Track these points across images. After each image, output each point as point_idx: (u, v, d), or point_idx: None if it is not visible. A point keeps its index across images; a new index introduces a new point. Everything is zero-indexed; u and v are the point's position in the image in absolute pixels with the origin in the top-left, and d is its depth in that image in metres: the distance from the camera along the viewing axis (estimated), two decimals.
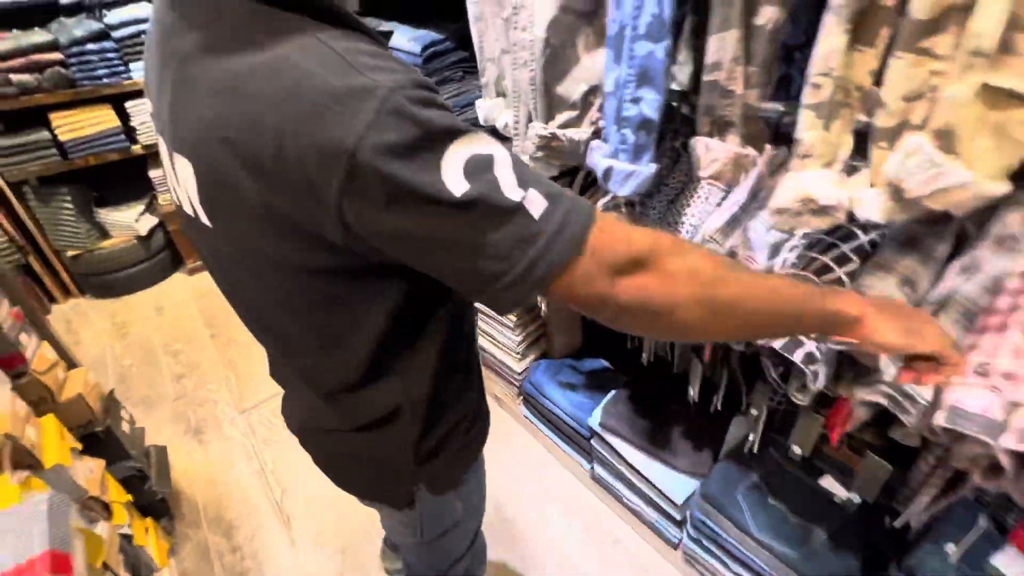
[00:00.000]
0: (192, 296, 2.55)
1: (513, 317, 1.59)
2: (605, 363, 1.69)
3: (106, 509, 1.21)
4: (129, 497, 1.39)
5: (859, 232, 0.70)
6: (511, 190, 0.37)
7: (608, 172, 0.73)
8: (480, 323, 1.77)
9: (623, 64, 0.65)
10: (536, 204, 0.38)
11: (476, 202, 0.37)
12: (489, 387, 1.83)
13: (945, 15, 0.44)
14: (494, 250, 0.38)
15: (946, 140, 0.46)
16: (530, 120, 0.84)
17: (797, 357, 0.63)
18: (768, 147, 0.75)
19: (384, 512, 0.81)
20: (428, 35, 1.44)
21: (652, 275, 0.40)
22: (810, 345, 0.64)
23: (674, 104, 0.92)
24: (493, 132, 1.02)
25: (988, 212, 0.68)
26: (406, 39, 1.43)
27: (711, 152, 0.63)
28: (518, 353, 1.67)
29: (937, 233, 0.67)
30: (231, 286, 0.54)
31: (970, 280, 0.63)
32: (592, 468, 1.47)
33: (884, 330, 0.44)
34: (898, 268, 0.66)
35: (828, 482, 1.06)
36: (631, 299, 0.40)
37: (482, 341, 1.81)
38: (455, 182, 0.36)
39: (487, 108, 0.95)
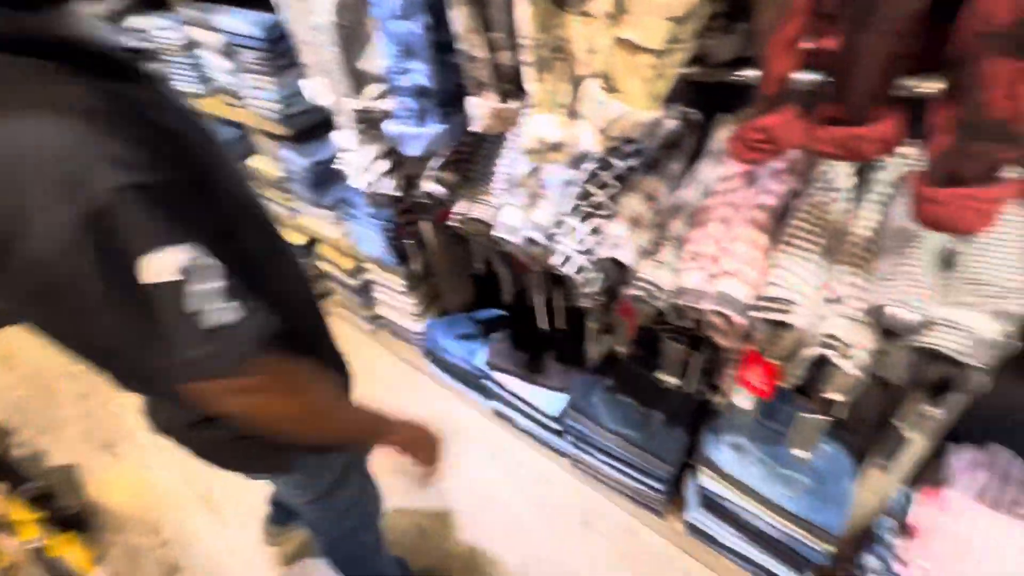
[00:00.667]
0: None
1: (402, 280, 1.70)
2: (499, 311, 1.84)
3: (11, 527, 1.24)
4: (40, 514, 1.41)
5: (617, 162, 0.86)
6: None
7: (400, 136, 0.84)
8: (379, 295, 1.87)
9: (388, 41, 0.75)
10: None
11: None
12: (397, 351, 1.94)
13: None
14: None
15: (609, 82, 0.60)
16: (344, 96, 0.92)
17: (571, 271, 0.79)
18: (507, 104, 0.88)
19: (274, 480, 0.88)
20: (268, 18, 1.45)
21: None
22: (580, 259, 0.80)
23: None
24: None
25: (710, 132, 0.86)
26: (246, 24, 1.43)
27: (474, 109, 0.75)
28: (415, 315, 1.78)
29: (672, 155, 0.85)
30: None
31: (693, 189, 0.80)
32: (492, 404, 1.64)
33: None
34: (643, 187, 0.82)
35: (662, 374, 1.27)
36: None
37: (381, 309, 1.91)
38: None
39: (310, 88, 1.03)
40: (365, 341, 2.07)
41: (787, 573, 1.10)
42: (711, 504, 1.14)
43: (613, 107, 0.60)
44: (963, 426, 0.85)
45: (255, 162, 1.99)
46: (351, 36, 0.86)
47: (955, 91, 0.48)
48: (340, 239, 1.82)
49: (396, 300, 1.80)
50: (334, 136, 0.95)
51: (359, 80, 0.90)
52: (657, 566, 1.31)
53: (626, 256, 0.77)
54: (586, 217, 0.83)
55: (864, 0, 0.46)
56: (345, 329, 2.14)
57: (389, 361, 1.96)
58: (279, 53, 1.46)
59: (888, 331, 0.67)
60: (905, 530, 0.97)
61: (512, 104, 0.76)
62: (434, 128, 0.82)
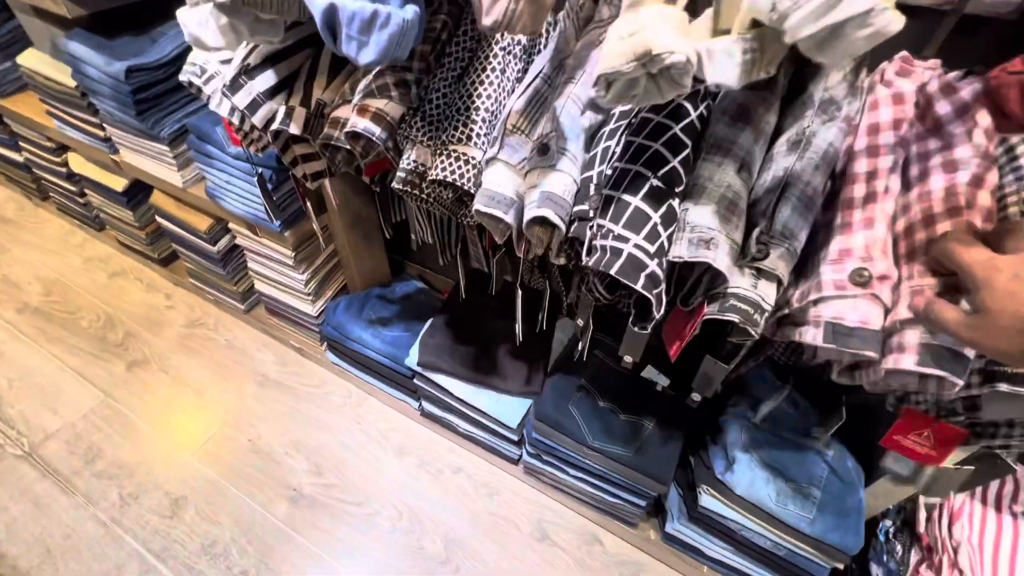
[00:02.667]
0: None
1: (291, 251, 1.24)
2: (419, 284, 1.47)
3: None
4: None
5: (687, 105, 0.55)
6: None
7: (331, 18, 0.42)
8: (255, 266, 1.37)
9: None
10: None
11: None
12: (284, 336, 1.49)
13: None
14: None
15: None
16: None
17: (639, 284, 0.49)
18: None
19: None
20: None
21: None
22: (652, 264, 0.50)
23: None
24: None
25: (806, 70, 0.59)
26: None
27: None
28: (308, 294, 1.34)
29: (765, 100, 0.56)
30: None
31: (801, 158, 0.53)
32: (420, 405, 1.32)
33: None
34: (735, 150, 0.53)
35: (649, 371, 1.07)
36: None
37: (263, 287, 1.42)
38: None
39: None
40: (237, 323, 1.56)
41: None
42: (704, 520, 0.99)
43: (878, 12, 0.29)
44: None
45: (29, 60, 1.28)
46: None
47: None
48: (187, 189, 1.27)
49: (279, 274, 1.33)
50: (181, 16, 0.49)
51: None
52: (624, 575, 1.16)
53: (722, 263, 0.49)
54: (653, 195, 0.52)
55: None
56: (206, 308, 1.59)
57: (272, 347, 1.50)
58: None
59: None
60: (911, 536, 0.91)
61: None
62: (404, 12, 0.43)
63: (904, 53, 0.54)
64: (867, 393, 0.58)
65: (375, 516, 1.20)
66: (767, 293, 0.51)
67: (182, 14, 0.51)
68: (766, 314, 0.50)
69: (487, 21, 0.41)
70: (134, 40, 1.13)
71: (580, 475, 1.08)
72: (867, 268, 0.48)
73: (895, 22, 0.30)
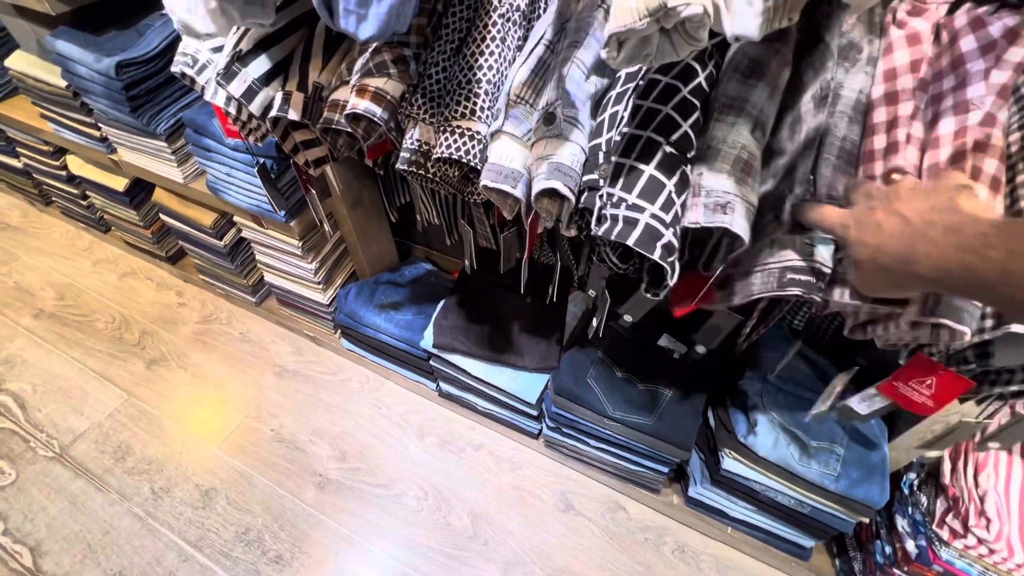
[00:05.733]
0: None
1: (297, 241, 1.23)
2: (428, 266, 1.47)
3: None
4: None
5: (695, 65, 0.53)
6: None
7: None
8: (263, 258, 1.37)
9: None
10: None
11: None
12: (298, 326, 1.50)
13: None
14: None
15: None
16: None
17: (656, 254, 0.48)
18: None
19: None
20: None
21: None
22: (668, 234, 0.48)
23: None
24: None
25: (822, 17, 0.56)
26: None
27: None
28: (319, 283, 1.34)
29: (778, 52, 0.54)
30: None
31: (832, 113, 0.51)
32: (438, 386, 1.32)
33: None
34: (748, 108, 0.51)
35: (665, 340, 1.06)
36: None
37: (272, 278, 1.42)
38: None
39: None
40: (249, 315, 1.57)
41: (806, 539, 1.02)
42: (727, 483, 1.00)
43: None
44: None
45: (18, 63, 1.26)
46: None
47: None
48: (188, 184, 1.26)
49: (288, 265, 1.33)
50: (168, 3, 0.47)
51: None
52: (650, 540, 1.18)
53: (739, 226, 0.48)
54: (666, 162, 0.50)
55: None
56: (217, 303, 1.60)
57: (286, 338, 1.51)
58: None
59: None
60: (936, 487, 0.91)
61: None
62: None
63: None
64: (879, 349, 0.58)
65: (401, 496, 1.22)
66: (825, 256, 0.50)
67: (169, 3, 0.49)
68: (826, 278, 0.49)
69: None
70: (120, 34, 1.11)
71: (601, 445, 1.09)
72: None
73: None
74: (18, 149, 1.62)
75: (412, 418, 1.36)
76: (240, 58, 0.67)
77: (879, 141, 0.51)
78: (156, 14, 1.13)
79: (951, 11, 0.51)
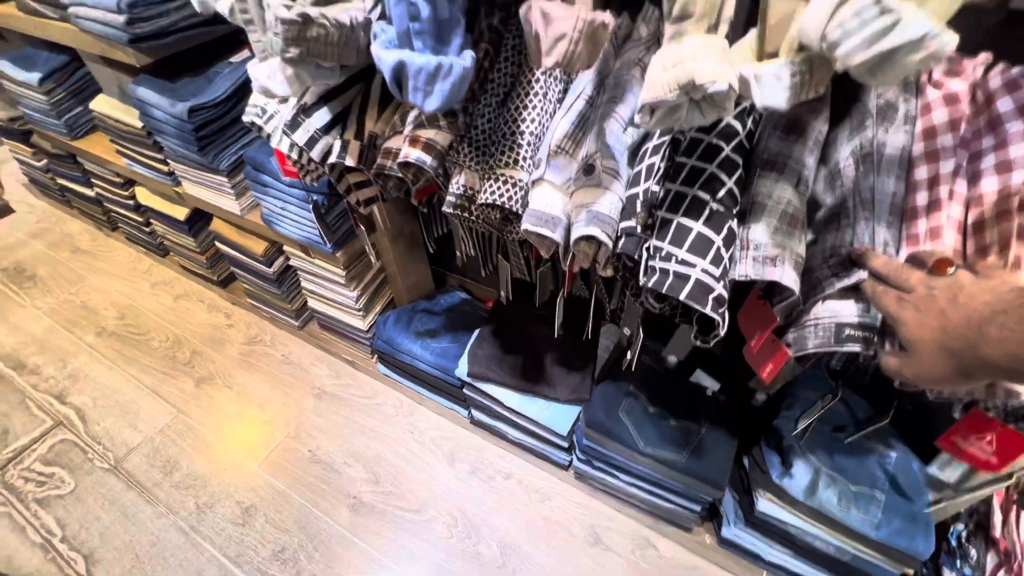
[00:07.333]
0: None
1: (342, 271, 1.30)
2: (463, 295, 1.51)
3: None
4: None
5: (735, 124, 0.56)
6: None
7: (400, 72, 0.46)
8: (308, 284, 1.44)
9: None
10: None
11: None
12: (337, 350, 1.56)
13: None
14: None
15: None
16: None
17: (708, 307, 0.50)
18: (607, 13, 0.55)
19: None
20: None
21: None
22: (719, 288, 0.51)
23: None
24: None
25: None
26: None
27: (553, 25, 0.40)
28: (359, 310, 1.40)
29: (815, 109, 0.56)
30: None
31: (879, 171, 0.53)
32: (470, 413, 1.35)
33: None
34: (791, 164, 0.53)
35: (699, 375, 1.06)
36: None
37: (316, 304, 1.49)
38: None
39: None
40: (292, 339, 1.64)
41: None
42: (762, 524, 0.98)
43: (913, 23, 0.29)
44: None
45: (100, 105, 1.39)
46: None
47: None
48: (244, 215, 1.35)
49: (332, 292, 1.40)
50: (252, 71, 0.54)
51: None
52: None
53: (789, 278, 0.49)
54: (713, 218, 0.52)
55: None
56: (263, 325, 1.68)
57: (326, 361, 1.57)
58: None
59: None
60: (986, 540, 0.87)
61: (607, 16, 0.43)
62: (462, 60, 0.46)
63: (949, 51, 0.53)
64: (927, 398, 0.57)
65: (432, 522, 1.24)
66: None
67: (252, 68, 0.56)
68: (883, 334, 0.50)
69: (548, 61, 0.43)
70: (192, 81, 1.22)
71: (632, 480, 1.08)
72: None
73: (951, 43, 0.31)
74: (92, 180, 1.77)
75: (444, 444, 1.38)
76: (304, 110, 0.74)
77: (922, 198, 0.52)
78: (224, 62, 1.24)
79: (986, 72, 0.53)
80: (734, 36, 0.43)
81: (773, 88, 0.38)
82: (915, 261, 0.47)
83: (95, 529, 1.24)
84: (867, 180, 0.53)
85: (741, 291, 0.65)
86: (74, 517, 1.26)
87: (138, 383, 1.54)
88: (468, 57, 0.48)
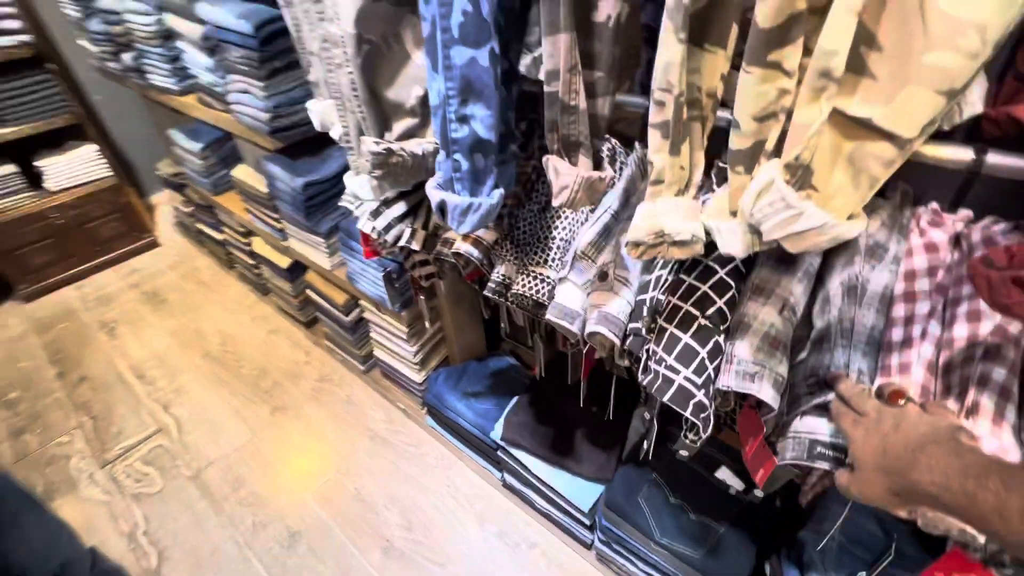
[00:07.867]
0: (31, 328, 2.15)
1: (405, 327, 1.46)
2: (511, 360, 1.62)
3: None
4: None
5: None
6: None
7: (443, 206, 0.61)
8: (376, 335, 1.63)
9: (440, 74, 0.52)
10: None
11: None
12: (394, 397, 1.70)
13: (791, 22, 0.36)
14: None
15: (800, 175, 0.39)
16: (361, 132, 0.69)
17: (688, 411, 0.57)
18: (604, 171, 0.66)
19: None
20: (262, 10, 1.20)
21: None
22: (699, 394, 0.58)
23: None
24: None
25: None
26: (233, 16, 1.19)
27: (561, 177, 0.52)
28: (416, 364, 1.55)
29: None
30: None
31: (861, 304, 0.59)
32: (503, 476, 1.41)
33: None
34: (778, 291, 0.60)
35: (724, 473, 1.07)
36: None
37: (381, 353, 1.67)
38: None
39: (320, 112, 0.79)
40: (357, 382, 1.82)
41: None
42: None
43: (810, 215, 0.38)
44: None
45: (239, 172, 1.72)
46: (375, 54, 0.62)
47: None
48: (333, 271, 1.58)
49: (395, 345, 1.56)
50: (348, 181, 0.72)
51: (382, 112, 0.67)
52: None
53: (766, 394, 0.55)
54: (700, 332, 0.60)
55: None
56: (334, 366, 1.89)
57: (383, 407, 1.72)
58: (272, 54, 1.21)
59: None
60: None
61: (605, 174, 0.54)
62: (490, 199, 0.60)
63: (934, 205, 0.58)
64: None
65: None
66: None
67: (348, 180, 0.74)
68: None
69: (556, 202, 0.55)
70: (310, 160, 1.49)
71: (649, 571, 1.08)
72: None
73: (851, 230, 0.38)
74: (222, 227, 2.14)
75: (476, 503, 1.45)
76: (386, 203, 0.92)
77: (897, 334, 0.57)
78: (337, 146, 1.51)
79: (972, 222, 0.58)
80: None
81: (731, 239, 0.47)
82: (879, 391, 0.52)
83: (171, 529, 1.43)
84: (850, 311, 0.58)
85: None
86: (156, 515, 1.46)
87: (226, 404, 1.78)
88: (496, 195, 0.61)
